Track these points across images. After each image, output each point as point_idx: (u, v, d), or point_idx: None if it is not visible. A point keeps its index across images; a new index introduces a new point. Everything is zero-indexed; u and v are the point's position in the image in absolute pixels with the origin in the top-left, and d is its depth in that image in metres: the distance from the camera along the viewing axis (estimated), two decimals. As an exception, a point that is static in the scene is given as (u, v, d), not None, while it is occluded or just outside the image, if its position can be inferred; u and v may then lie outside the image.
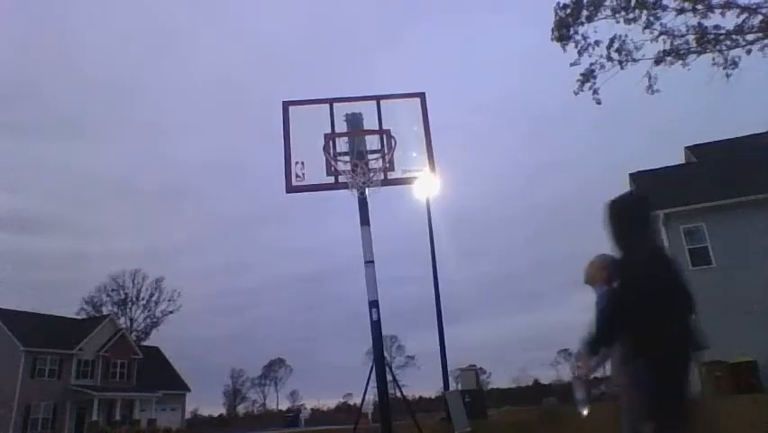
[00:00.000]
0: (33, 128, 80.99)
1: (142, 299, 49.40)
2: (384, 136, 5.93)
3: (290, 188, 5.75)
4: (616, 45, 15.08)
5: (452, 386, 15.22)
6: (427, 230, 15.24)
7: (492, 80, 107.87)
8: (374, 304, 5.67)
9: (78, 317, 41.86)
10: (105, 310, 46.49)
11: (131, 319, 49.15)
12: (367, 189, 5.75)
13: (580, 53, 15.32)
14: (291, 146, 5.84)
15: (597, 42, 14.95)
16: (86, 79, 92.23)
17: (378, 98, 6.10)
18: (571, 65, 15.60)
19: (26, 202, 73.38)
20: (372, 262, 5.45)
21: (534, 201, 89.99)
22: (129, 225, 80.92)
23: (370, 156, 5.86)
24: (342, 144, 5.93)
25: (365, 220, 5.79)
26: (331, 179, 5.87)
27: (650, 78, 16.18)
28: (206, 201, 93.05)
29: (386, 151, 5.73)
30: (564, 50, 15.46)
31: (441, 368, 15.27)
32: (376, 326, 5.58)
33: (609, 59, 15.40)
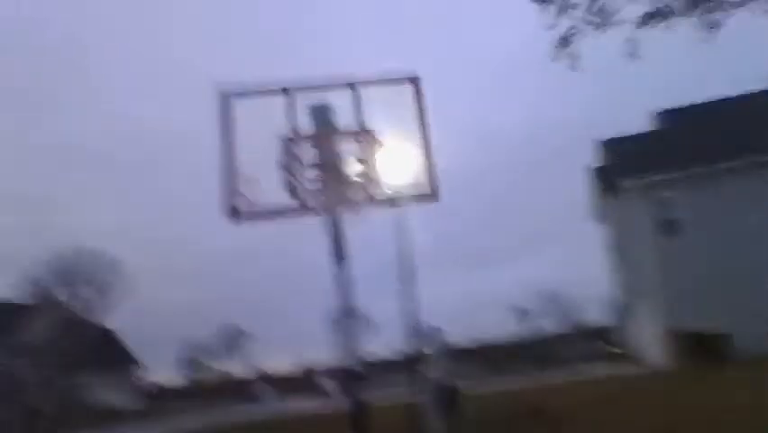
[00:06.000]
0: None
1: (93, 276, 46.75)
2: (365, 137, 4.33)
3: (236, 216, 4.06)
4: (596, 7, 14.02)
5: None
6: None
7: (466, 38, 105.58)
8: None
9: (23, 300, 39.48)
10: (53, 290, 43.90)
11: (82, 298, 46.59)
12: (343, 214, 4.28)
13: (558, 15, 14.16)
14: (236, 154, 4.11)
15: (576, 5, 13.84)
16: (39, 44, 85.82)
17: (354, 84, 4.38)
18: (549, 28, 14.45)
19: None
20: (353, 312, 4.05)
21: (497, 162, 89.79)
22: (89, 198, 76.85)
23: (345, 166, 4.26)
24: (306, 150, 4.36)
25: (340, 254, 4.18)
26: (293, 202, 4.13)
27: (630, 42, 15.23)
28: (171, 173, 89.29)
29: (368, 158, 4.25)
30: (542, 10, 14.28)
31: (403, 330, 14.67)
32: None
33: (589, 22, 14.32)
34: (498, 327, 74.26)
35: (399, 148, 4.07)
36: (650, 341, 25.34)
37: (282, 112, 4.24)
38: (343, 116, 4.27)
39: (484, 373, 37.65)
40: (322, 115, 4.25)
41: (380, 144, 4.16)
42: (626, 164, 24.14)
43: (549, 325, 69.16)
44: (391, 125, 4.11)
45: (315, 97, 4.28)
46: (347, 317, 3.97)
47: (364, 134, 4.22)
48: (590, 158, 28.87)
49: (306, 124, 4.27)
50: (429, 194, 4.18)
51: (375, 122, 4.20)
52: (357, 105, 4.28)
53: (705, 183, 21.58)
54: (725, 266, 20.72)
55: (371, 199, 4.15)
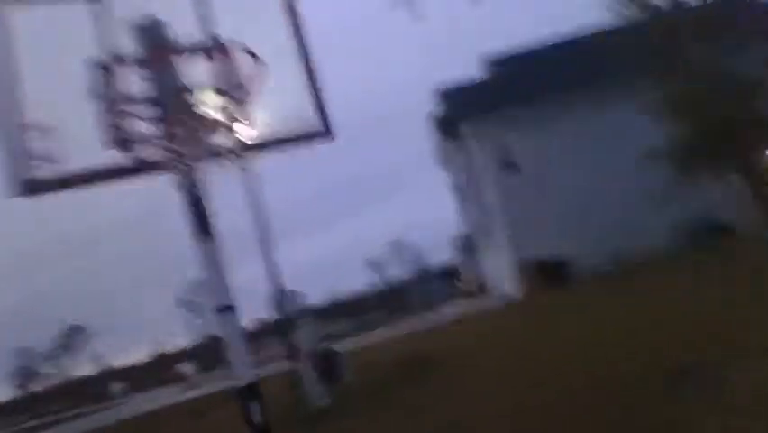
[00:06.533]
0: None
1: None
2: (221, 57, 2.96)
3: (32, 187, 2.61)
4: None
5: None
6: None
7: None
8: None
9: None
10: None
11: None
12: (200, 169, 2.91)
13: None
14: (21, 94, 2.60)
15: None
16: None
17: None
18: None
19: None
20: (232, 308, 2.94)
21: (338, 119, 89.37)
22: None
23: (195, 99, 2.91)
24: (135, 82, 2.76)
25: (204, 229, 2.88)
26: (123, 157, 2.79)
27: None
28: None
29: (230, 86, 2.97)
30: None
31: (265, 297, 14.14)
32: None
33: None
34: (357, 280, 75.52)
35: (271, 72, 2.94)
36: (499, 274, 26.91)
37: (92, 28, 2.83)
38: (185, 32, 2.99)
39: (351, 329, 37.89)
40: (152, 32, 2.93)
41: (245, 67, 2.96)
42: (463, 111, 24.92)
43: (404, 272, 71.78)
44: (257, 44, 2.95)
45: (138, 6, 2.94)
46: (222, 305, 2.93)
47: (219, 53, 2.99)
48: (431, 107, 29.39)
49: (129, 44, 2.94)
50: (320, 132, 3.15)
51: (235, 39, 2.98)
52: (205, 12, 3.01)
53: (537, 122, 22.83)
54: (562, 197, 22.28)
55: (238, 144, 2.97)
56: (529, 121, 22.94)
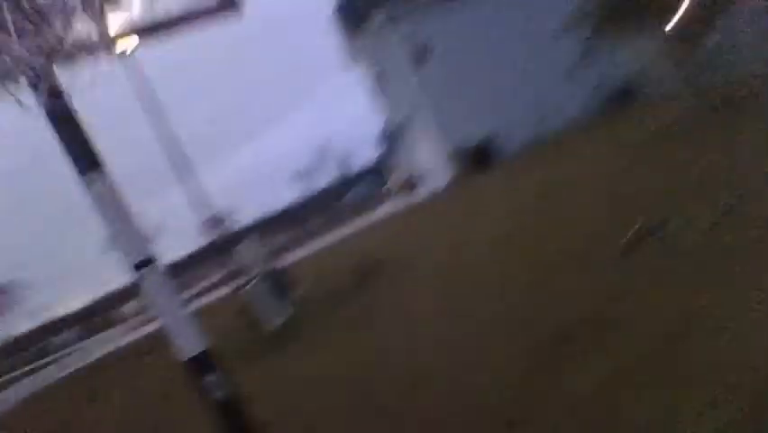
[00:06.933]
0: None
1: None
2: None
3: None
4: None
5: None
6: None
7: None
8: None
9: None
10: None
11: None
12: (66, 76, 2.19)
13: None
14: None
15: None
16: None
17: None
18: None
19: None
20: (151, 261, 2.22)
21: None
22: None
23: None
24: None
25: (87, 159, 2.06)
26: None
27: None
28: None
29: None
30: None
31: (194, 224, 13.49)
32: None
33: None
34: (287, 192, 74.19)
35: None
36: (428, 165, 26.81)
37: None
38: None
39: (291, 241, 37.41)
40: None
41: None
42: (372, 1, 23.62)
43: (334, 176, 70.94)
44: None
45: None
46: (139, 261, 2.25)
47: None
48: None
49: None
50: (225, 5, 2.31)
51: None
52: None
53: (450, 6, 21.89)
54: (481, 79, 21.88)
55: (108, 31, 2.08)
56: (441, 5, 21.95)
